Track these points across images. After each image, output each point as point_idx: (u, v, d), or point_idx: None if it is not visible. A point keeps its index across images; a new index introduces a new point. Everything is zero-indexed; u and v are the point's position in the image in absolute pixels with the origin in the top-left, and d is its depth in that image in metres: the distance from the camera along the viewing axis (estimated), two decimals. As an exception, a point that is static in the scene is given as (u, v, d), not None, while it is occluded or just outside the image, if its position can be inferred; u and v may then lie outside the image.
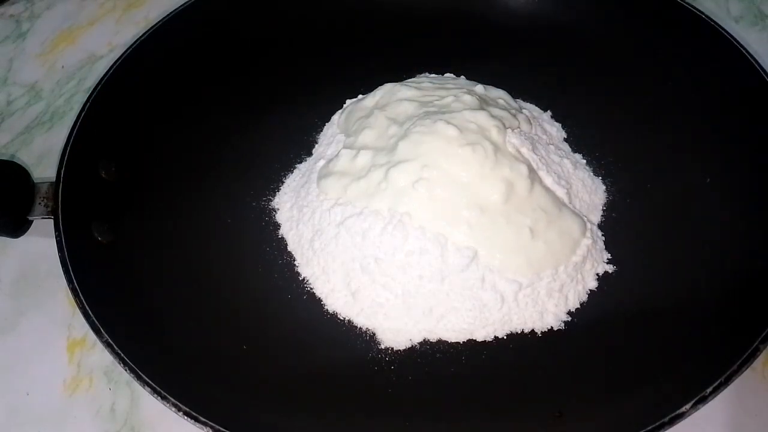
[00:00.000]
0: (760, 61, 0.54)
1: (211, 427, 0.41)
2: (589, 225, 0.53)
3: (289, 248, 0.55)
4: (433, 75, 0.64)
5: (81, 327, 0.54)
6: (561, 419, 0.44)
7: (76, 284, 0.47)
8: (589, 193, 0.56)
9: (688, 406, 0.39)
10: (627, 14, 0.64)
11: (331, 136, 0.61)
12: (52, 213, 0.51)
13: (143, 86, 0.60)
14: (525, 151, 0.53)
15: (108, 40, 0.77)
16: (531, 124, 0.57)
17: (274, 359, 0.49)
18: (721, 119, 0.55)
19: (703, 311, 0.47)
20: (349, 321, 0.51)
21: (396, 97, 0.58)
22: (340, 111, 0.63)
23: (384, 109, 0.57)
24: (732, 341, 0.43)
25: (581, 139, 0.60)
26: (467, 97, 0.55)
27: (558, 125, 0.61)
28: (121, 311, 0.48)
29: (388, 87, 0.60)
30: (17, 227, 0.55)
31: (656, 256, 0.52)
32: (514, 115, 0.56)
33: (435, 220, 0.50)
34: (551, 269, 0.50)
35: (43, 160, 0.66)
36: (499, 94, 0.59)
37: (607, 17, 0.64)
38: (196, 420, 0.41)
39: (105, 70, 0.59)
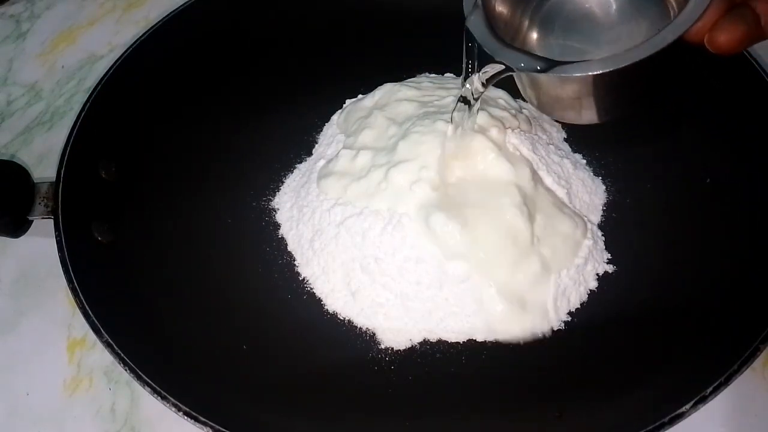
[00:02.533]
0: (760, 61, 0.54)
1: (211, 427, 0.41)
2: (589, 225, 0.53)
3: (289, 248, 0.55)
4: (433, 75, 0.64)
5: (81, 327, 0.54)
6: (561, 419, 0.44)
7: (76, 284, 0.47)
8: (589, 193, 0.56)
9: (688, 406, 0.39)
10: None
11: (331, 136, 0.61)
12: (52, 213, 0.51)
13: (143, 86, 0.60)
14: (525, 151, 0.53)
15: (108, 40, 0.77)
16: (531, 124, 0.57)
17: (274, 359, 0.49)
18: (721, 119, 0.55)
19: (703, 311, 0.47)
20: (349, 321, 0.51)
21: (395, 97, 0.58)
22: (339, 111, 0.63)
23: (383, 109, 0.57)
24: (732, 341, 0.43)
25: (581, 139, 0.60)
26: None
27: (558, 125, 0.61)
28: (121, 311, 0.48)
29: (387, 87, 0.60)
30: (17, 227, 0.55)
31: (656, 256, 0.52)
32: (514, 115, 0.56)
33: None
34: (555, 274, 0.50)
35: (43, 160, 0.66)
36: (499, 94, 0.59)
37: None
38: (196, 420, 0.41)
39: (105, 70, 0.59)
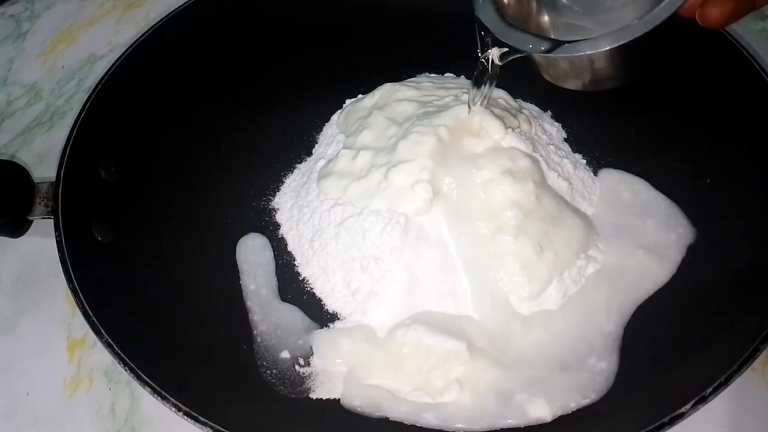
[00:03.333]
0: (760, 61, 0.54)
1: (211, 427, 0.41)
2: (590, 226, 0.53)
3: (289, 248, 0.55)
4: (433, 75, 0.64)
5: (81, 327, 0.54)
6: (561, 419, 0.44)
7: (76, 284, 0.47)
8: (590, 193, 0.56)
9: (688, 407, 0.39)
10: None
11: (331, 136, 0.61)
12: (52, 213, 0.51)
13: (143, 86, 0.60)
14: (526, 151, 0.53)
15: (108, 40, 0.77)
16: (531, 124, 0.57)
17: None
18: (721, 119, 0.55)
19: (703, 311, 0.47)
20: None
21: (395, 97, 0.58)
22: (339, 111, 0.63)
23: (383, 109, 0.57)
24: (732, 341, 0.43)
25: (581, 139, 0.60)
26: (467, 98, 0.55)
27: (558, 125, 0.61)
28: (121, 311, 0.48)
29: (387, 87, 0.60)
30: (17, 227, 0.55)
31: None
32: (515, 115, 0.56)
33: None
34: (557, 276, 0.50)
35: (43, 160, 0.66)
36: (499, 94, 0.59)
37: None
38: (196, 420, 0.41)
39: (105, 70, 0.59)
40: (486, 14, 0.44)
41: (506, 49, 0.44)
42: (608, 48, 0.40)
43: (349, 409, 0.46)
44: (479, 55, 0.46)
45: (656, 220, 0.53)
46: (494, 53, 0.45)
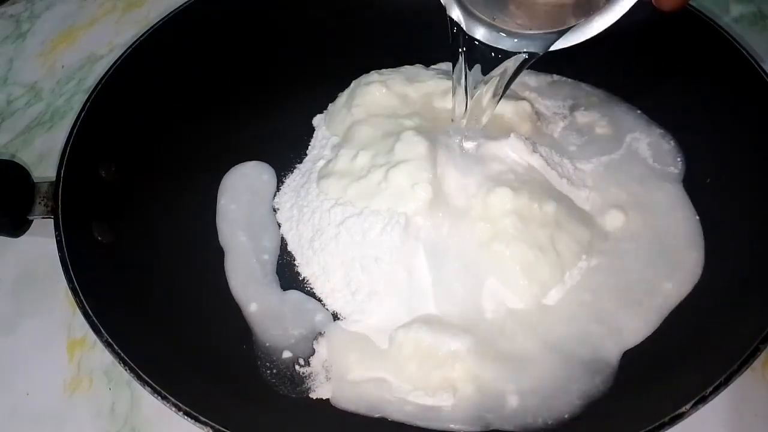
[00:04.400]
0: (759, 61, 0.54)
1: (211, 427, 0.41)
2: (592, 226, 0.53)
3: (289, 248, 0.56)
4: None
5: (81, 327, 0.54)
6: (561, 420, 0.44)
7: (76, 284, 0.47)
8: (590, 192, 0.56)
9: (688, 406, 0.39)
10: (626, 15, 0.63)
11: (324, 138, 0.61)
12: (52, 213, 0.51)
13: (143, 86, 0.60)
14: (527, 155, 0.53)
15: (108, 40, 0.77)
16: (533, 123, 0.57)
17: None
18: (721, 119, 0.55)
19: (703, 311, 0.47)
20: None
21: (363, 82, 0.58)
22: (321, 114, 0.63)
23: (353, 97, 0.58)
24: (732, 341, 0.43)
25: (581, 139, 0.60)
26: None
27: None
28: (121, 311, 0.48)
29: (362, 78, 0.60)
30: (17, 227, 0.55)
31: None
32: (517, 114, 0.56)
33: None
34: (559, 278, 0.50)
35: (43, 160, 0.66)
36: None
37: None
38: (196, 420, 0.41)
39: (105, 70, 0.59)
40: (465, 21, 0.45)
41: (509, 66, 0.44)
42: (578, 42, 0.41)
43: (346, 410, 0.46)
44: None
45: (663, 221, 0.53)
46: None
